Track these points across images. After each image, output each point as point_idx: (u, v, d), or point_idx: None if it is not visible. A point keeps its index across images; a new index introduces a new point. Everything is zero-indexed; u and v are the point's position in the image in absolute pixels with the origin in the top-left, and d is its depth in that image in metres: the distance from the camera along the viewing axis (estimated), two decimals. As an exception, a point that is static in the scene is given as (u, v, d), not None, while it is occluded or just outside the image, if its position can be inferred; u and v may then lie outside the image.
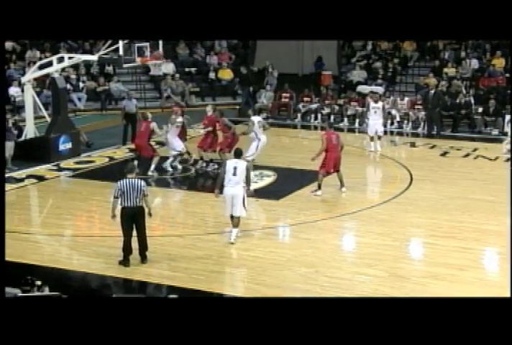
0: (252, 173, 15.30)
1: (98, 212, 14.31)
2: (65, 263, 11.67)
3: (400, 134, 22.26)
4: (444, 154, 19.54)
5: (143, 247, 11.47)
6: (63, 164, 17.93)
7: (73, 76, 24.57)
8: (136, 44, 17.77)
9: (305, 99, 24.69)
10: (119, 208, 11.33)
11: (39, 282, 8.05)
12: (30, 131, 18.52)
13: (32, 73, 19.29)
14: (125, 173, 11.50)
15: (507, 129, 21.31)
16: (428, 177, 16.98)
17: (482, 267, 12.06)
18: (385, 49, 27.68)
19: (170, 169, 17.25)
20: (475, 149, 19.87)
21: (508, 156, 18.57)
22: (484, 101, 22.80)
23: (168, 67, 26.33)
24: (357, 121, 23.34)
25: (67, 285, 10.46)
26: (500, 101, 22.60)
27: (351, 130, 22.91)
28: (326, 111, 23.91)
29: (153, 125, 16.89)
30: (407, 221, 13.76)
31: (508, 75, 24.21)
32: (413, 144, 20.95)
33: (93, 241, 12.60)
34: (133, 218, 11.28)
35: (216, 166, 17.20)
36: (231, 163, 12.49)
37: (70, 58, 18.94)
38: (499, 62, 25.02)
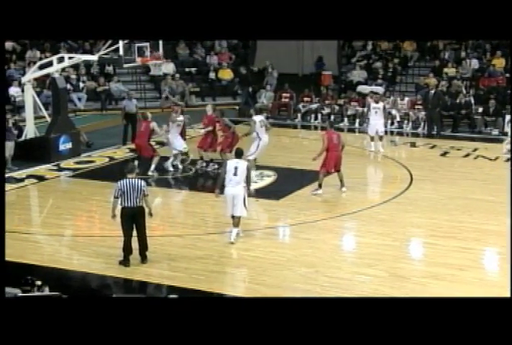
0: (253, 172, 15.32)
1: (98, 212, 14.31)
2: (65, 263, 11.67)
3: (400, 134, 22.26)
4: (444, 154, 19.54)
5: (143, 247, 11.48)
6: (63, 164, 17.93)
7: (73, 76, 24.57)
8: (137, 44, 17.77)
9: (306, 99, 24.70)
10: (119, 208, 11.33)
11: (39, 282, 8.05)
12: (30, 131, 18.53)
13: (32, 73, 19.29)
14: (125, 173, 11.50)
15: (507, 129, 21.31)
16: (429, 177, 16.98)
17: (482, 267, 12.07)
18: (385, 49, 27.69)
19: (171, 168, 17.25)
20: (475, 149, 19.88)
21: (508, 156, 18.57)
22: (484, 101, 22.81)
23: (168, 67, 26.34)
24: (357, 121, 23.35)
25: (67, 285, 10.46)
26: (500, 101, 22.60)
27: (351, 130, 22.91)
28: (326, 111, 23.92)
29: (153, 125, 16.89)
30: (407, 221, 13.76)
31: (508, 75, 24.22)
32: (413, 144, 20.96)
33: (93, 241, 12.60)
34: (133, 218, 11.28)
35: (216, 166, 17.19)
36: (231, 163, 12.49)
37: (70, 58, 18.94)
38: (499, 62, 25.03)
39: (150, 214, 11.41)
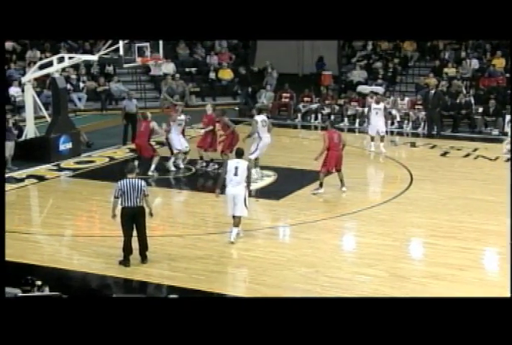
0: (254, 170, 15.33)
1: (98, 212, 14.32)
2: (65, 263, 11.68)
3: (400, 134, 22.26)
4: (444, 154, 19.54)
5: (143, 247, 11.48)
6: (63, 164, 17.93)
7: (73, 76, 24.58)
8: (137, 45, 17.79)
9: (306, 99, 24.71)
10: (119, 208, 11.33)
11: (39, 282, 8.04)
12: (30, 131, 18.53)
13: (33, 73, 19.30)
14: (125, 173, 11.50)
15: (507, 129, 21.31)
16: (429, 177, 16.98)
17: (483, 267, 12.07)
18: (386, 49, 27.70)
19: (172, 168, 17.24)
20: (475, 149, 19.88)
21: (508, 156, 18.56)
22: (484, 101, 22.81)
23: (168, 67, 26.35)
24: (357, 121, 23.36)
25: (67, 285, 10.46)
26: (501, 101, 22.61)
27: (351, 130, 22.92)
28: (327, 111, 23.93)
29: (153, 124, 16.89)
30: (407, 221, 13.76)
31: (508, 75, 24.22)
32: (413, 144, 20.96)
33: (93, 241, 12.60)
34: (133, 218, 11.28)
35: (216, 166, 17.19)
36: (232, 163, 12.50)
37: (70, 58, 18.95)
38: (499, 62, 25.03)
39: (151, 214, 11.42)
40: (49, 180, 16.67)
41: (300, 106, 24.53)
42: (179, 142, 17.22)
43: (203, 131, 17.63)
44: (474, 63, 25.48)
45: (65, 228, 13.55)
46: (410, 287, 10.71)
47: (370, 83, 25.77)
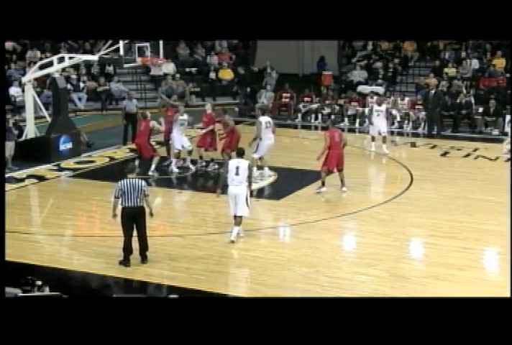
0: (258, 171, 15.33)
1: (98, 212, 14.32)
2: (65, 263, 11.68)
3: (400, 134, 22.24)
4: (444, 154, 19.54)
5: (143, 247, 11.48)
6: (64, 164, 17.93)
7: (74, 76, 24.58)
8: (137, 45, 17.79)
9: (306, 99, 24.70)
10: (119, 207, 11.33)
11: (39, 282, 8.04)
12: (31, 131, 18.53)
13: (33, 73, 19.30)
14: (126, 173, 11.51)
15: (507, 129, 21.31)
16: (429, 177, 16.98)
17: (483, 267, 12.07)
18: (386, 49, 27.69)
19: (176, 170, 17.21)
20: (476, 149, 19.88)
21: (509, 156, 18.56)
22: (484, 101, 22.81)
23: (169, 67, 26.36)
24: (358, 121, 23.36)
25: (67, 285, 10.47)
26: (501, 101, 22.60)
27: (351, 130, 22.90)
28: (327, 111, 23.92)
29: (153, 123, 16.92)
30: (407, 221, 13.76)
31: (508, 75, 24.22)
32: (413, 144, 20.95)
33: (93, 241, 12.60)
34: (133, 218, 11.28)
35: (216, 166, 17.20)
36: (233, 163, 12.51)
37: (70, 58, 18.96)
38: (499, 62, 25.03)
39: (151, 214, 11.42)
40: (50, 180, 16.67)
41: (301, 106, 24.53)
42: (179, 142, 17.19)
43: (204, 130, 17.55)
44: (475, 63, 25.48)
45: (65, 228, 13.55)
46: (410, 287, 10.71)
47: (370, 83, 25.77)
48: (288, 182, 16.52)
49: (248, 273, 11.52)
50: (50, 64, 19.00)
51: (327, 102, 24.32)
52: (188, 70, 27.33)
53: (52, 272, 11.18)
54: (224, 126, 17.15)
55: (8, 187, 15.37)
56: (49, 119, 18.93)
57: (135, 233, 11.35)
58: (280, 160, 17.99)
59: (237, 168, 12.29)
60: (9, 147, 16.94)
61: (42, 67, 19.34)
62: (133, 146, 18.22)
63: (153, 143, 17.51)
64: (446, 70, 25.17)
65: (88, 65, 25.35)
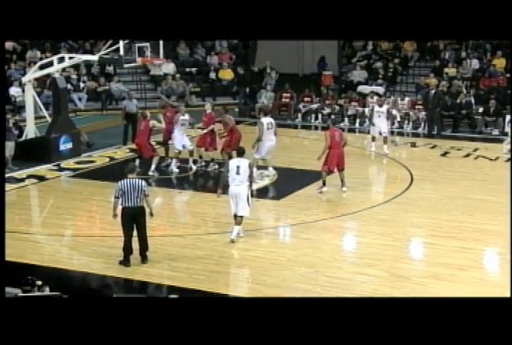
0: (257, 172, 15.33)
1: (98, 212, 14.32)
2: (65, 263, 11.68)
3: (400, 134, 22.22)
4: (444, 154, 19.54)
5: (144, 247, 11.48)
6: (64, 164, 17.93)
7: (74, 76, 24.58)
8: (137, 45, 17.78)
9: (306, 99, 24.70)
10: (119, 207, 11.33)
11: (39, 282, 8.05)
12: (31, 131, 18.53)
13: (33, 73, 19.30)
14: (126, 173, 11.51)
15: (507, 129, 21.30)
16: (429, 177, 16.98)
17: (483, 267, 12.07)
18: (386, 49, 27.68)
19: (176, 170, 17.21)
20: (476, 149, 19.88)
21: (509, 156, 18.56)
22: (484, 101, 22.80)
23: (169, 68, 26.35)
24: (358, 121, 23.36)
25: (67, 285, 10.46)
26: (501, 101, 22.59)
27: (351, 130, 22.89)
28: (327, 111, 23.91)
29: (152, 122, 16.95)
30: (407, 221, 13.76)
31: (508, 75, 24.21)
32: (413, 144, 20.95)
33: (93, 241, 12.60)
34: (134, 218, 11.28)
35: (216, 166, 17.20)
36: (233, 162, 12.51)
37: (70, 58, 18.96)
38: (499, 62, 25.02)
39: (151, 214, 11.42)
40: (50, 180, 16.67)
41: (301, 106, 24.53)
42: (180, 143, 17.19)
43: (204, 131, 17.51)
44: (475, 63, 25.47)
45: (65, 228, 13.56)
46: (410, 287, 10.71)
47: (371, 83, 25.76)
48: (288, 182, 16.52)
49: (248, 273, 11.53)
50: (50, 64, 19.00)
51: (327, 102, 24.31)
52: (188, 70, 27.32)
53: (52, 272, 11.18)
54: (224, 126, 17.15)
55: (8, 187, 15.38)
56: (49, 119, 18.93)
57: (135, 233, 11.36)
58: (280, 160, 17.97)
59: (238, 167, 12.29)
60: (9, 147, 16.95)
61: (42, 67, 19.35)
62: (133, 146, 18.22)
63: (153, 143, 17.50)
64: (446, 70, 25.16)
65: (88, 65, 25.35)
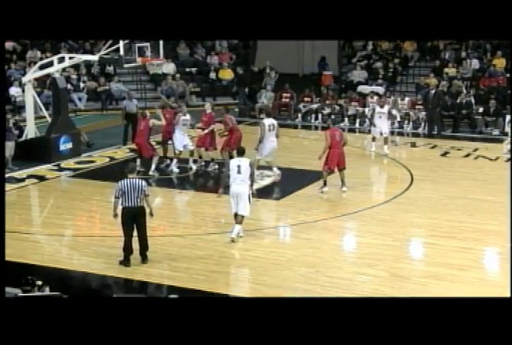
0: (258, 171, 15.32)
1: (98, 212, 14.32)
2: (65, 263, 11.68)
3: (400, 134, 22.24)
4: (444, 154, 19.54)
5: (144, 247, 11.48)
6: (64, 164, 17.94)
7: (74, 76, 24.59)
8: (137, 45, 17.79)
9: (306, 99, 24.70)
10: (120, 207, 11.33)
11: (39, 282, 8.05)
12: (31, 131, 18.54)
13: (33, 73, 19.30)
14: (126, 173, 11.51)
15: (507, 129, 21.31)
16: (429, 177, 16.98)
17: (483, 267, 12.07)
18: (386, 49, 27.68)
19: (176, 170, 17.20)
20: (476, 149, 19.88)
21: (509, 156, 18.57)
22: (484, 101, 22.80)
23: (169, 68, 26.36)
24: (358, 121, 23.36)
25: (67, 285, 10.47)
26: (501, 101, 22.60)
27: (351, 130, 22.89)
28: (327, 111, 23.92)
29: (152, 121, 16.97)
30: (407, 221, 13.76)
31: (508, 75, 24.21)
32: (413, 144, 20.95)
33: (93, 241, 12.61)
34: (134, 218, 11.28)
35: (216, 166, 17.20)
36: (234, 162, 12.53)
37: (70, 58, 18.96)
38: (500, 62, 25.02)
39: (151, 214, 11.42)
40: (50, 180, 16.67)
41: (301, 106, 24.53)
42: (181, 143, 17.17)
43: (204, 131, 17.48)
44: (475, 63, 25.48)
45: (66, 228, 13.56)
46: (410, 287, 10.71)
47: (371, 83, 25.76)
48: (288, 182, 16.51)
49: (248, 273, 11.53)
50: (50, 64, 19.00)
51: (327, 102, 24.32)
52: (188, 70, 27.33)
53: (52, 272, 11.18)
54: (224, 126, 17.15)
55: (8, 187, 15.38)
56: (49, 119, 18.93)
57: (135, 233, 11.36)
58: (280, 160, 17.93)
59: (239, 167, 12.30)
60: (9, 147, 16.95)
61: (42, 67, 19.35)
62: (133, 146, 18.22)
63: (153, 143, 17.50)
64: (446, 70, 25.16)
65: (88, 65, 25.36)
